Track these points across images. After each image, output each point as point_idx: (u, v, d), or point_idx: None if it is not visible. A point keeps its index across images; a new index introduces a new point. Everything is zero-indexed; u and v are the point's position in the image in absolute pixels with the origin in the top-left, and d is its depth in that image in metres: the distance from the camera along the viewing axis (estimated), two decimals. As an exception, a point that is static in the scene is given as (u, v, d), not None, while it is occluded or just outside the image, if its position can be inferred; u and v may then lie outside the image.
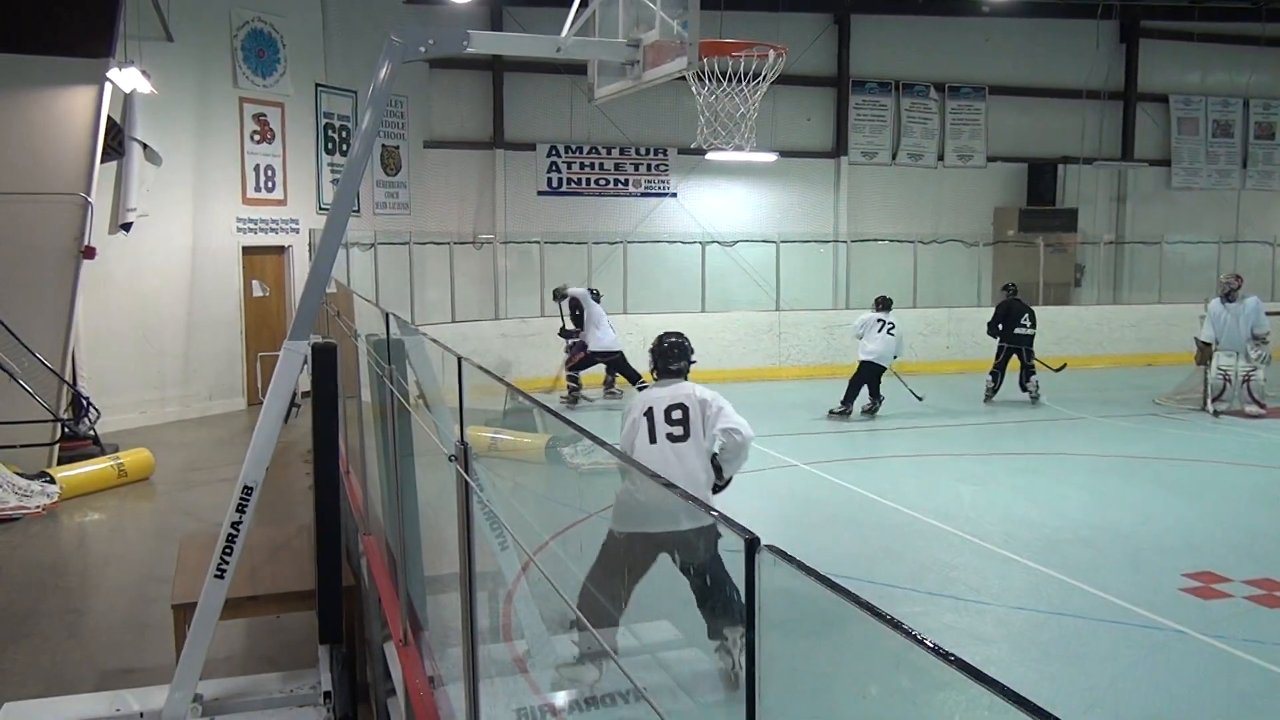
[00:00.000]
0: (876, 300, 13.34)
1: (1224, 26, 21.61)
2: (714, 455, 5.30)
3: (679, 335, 5.76)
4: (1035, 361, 13.86)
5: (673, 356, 5.60)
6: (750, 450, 5.37)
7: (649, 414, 5.27)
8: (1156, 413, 13.39)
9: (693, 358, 5.75)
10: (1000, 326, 13.98)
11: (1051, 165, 21.11)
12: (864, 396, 12.98)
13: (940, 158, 20.61)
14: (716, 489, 5.36)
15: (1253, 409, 12.73)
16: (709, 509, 1.96)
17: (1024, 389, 13.85)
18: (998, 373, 14.08)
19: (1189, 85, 22.22)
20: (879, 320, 13.03)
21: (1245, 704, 5.21)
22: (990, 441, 11.74)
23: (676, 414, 5.25)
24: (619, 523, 4.93)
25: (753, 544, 1.74)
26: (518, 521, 6.03)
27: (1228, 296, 12.80)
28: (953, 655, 1.36)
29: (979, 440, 11.81)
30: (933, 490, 9.40)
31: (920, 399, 13.39)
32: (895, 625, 1.52)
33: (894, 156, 20.37)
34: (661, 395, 5.38)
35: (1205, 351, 12.92)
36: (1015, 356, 13.88)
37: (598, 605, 4.56)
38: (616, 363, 13.92)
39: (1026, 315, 13.90)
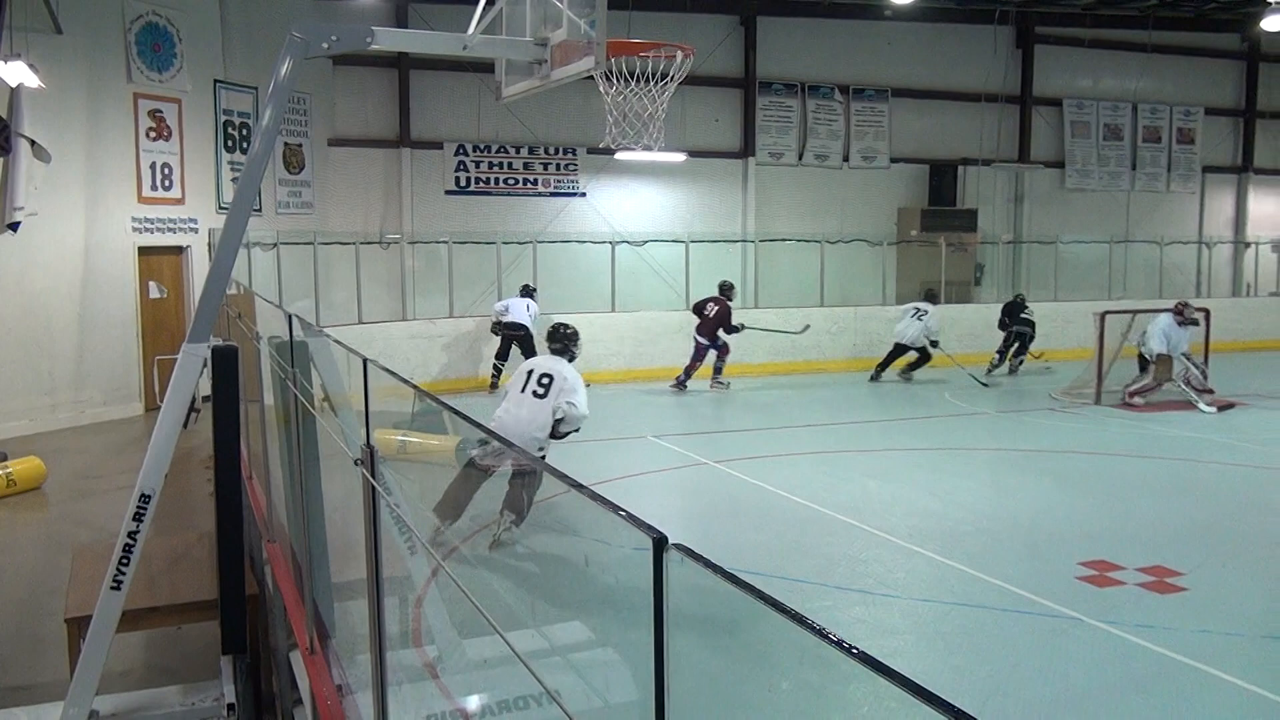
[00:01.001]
0: (926, 292, 16.41)
1: (1114, 34, 22.40)
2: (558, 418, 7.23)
3: (567, 325, 7.80)
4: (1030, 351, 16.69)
5: (554, 338, 7.72)
6: (581, 423, 7.33)
7: (530, 371, 7.38)
8: (1053, 407, 13.82)
9: (575, 348, 7.66)
10: (1007, 319, 16.58)
11: (952, 166, 21.64)
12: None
13: (845, 159, 20.97)
14: (556, 436, 7.33)
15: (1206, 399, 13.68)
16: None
17: (1012, 367, 16.60)
18: (1003, 353, 16.61)
19: (1081, 90, 22.98)
20: (914, 307, 15.67)
21: (1138, 687, 5.40)
22: (895, 437, 11.98)
23: (545, 380, 7.27)
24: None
25: (660, 543, 1.74)
26: (427, 525, 5.95)
27: (1184, 319, 13.76)
28: (856, 649, 1.38)
29: (885, 436, 12.05)
30: (840, 486, 9.55)
31: (985, 385, 15.13)
32: (801, 621, 1.53)
33: (800, 157, 20.66)
34: (543, 362, 7.49)
35: (1167, 363, 13.69)
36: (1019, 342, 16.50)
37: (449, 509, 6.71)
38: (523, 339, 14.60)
39: (1026, 310, 16.52)
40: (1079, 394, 14.15)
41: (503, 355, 14.86)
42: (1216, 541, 8.03)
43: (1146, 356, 13.68)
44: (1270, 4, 20.16)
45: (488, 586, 4.48)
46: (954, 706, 1.24)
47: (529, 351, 14.45)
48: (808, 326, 15.84)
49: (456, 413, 3.30)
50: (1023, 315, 16.53)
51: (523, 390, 7.26)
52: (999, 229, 21.84)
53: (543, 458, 7.23)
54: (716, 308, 14.84)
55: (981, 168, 21.55)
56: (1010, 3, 20.84)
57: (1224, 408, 13.38)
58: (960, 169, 21.71)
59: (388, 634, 3.74)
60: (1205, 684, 5.42)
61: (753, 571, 6.73)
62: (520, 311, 14.70)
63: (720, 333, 14.83)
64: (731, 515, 8.74)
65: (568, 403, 7.19)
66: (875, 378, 15.82)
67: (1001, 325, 16.68)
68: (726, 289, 15.16)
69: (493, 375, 14.96)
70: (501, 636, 2.67)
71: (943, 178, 21.52)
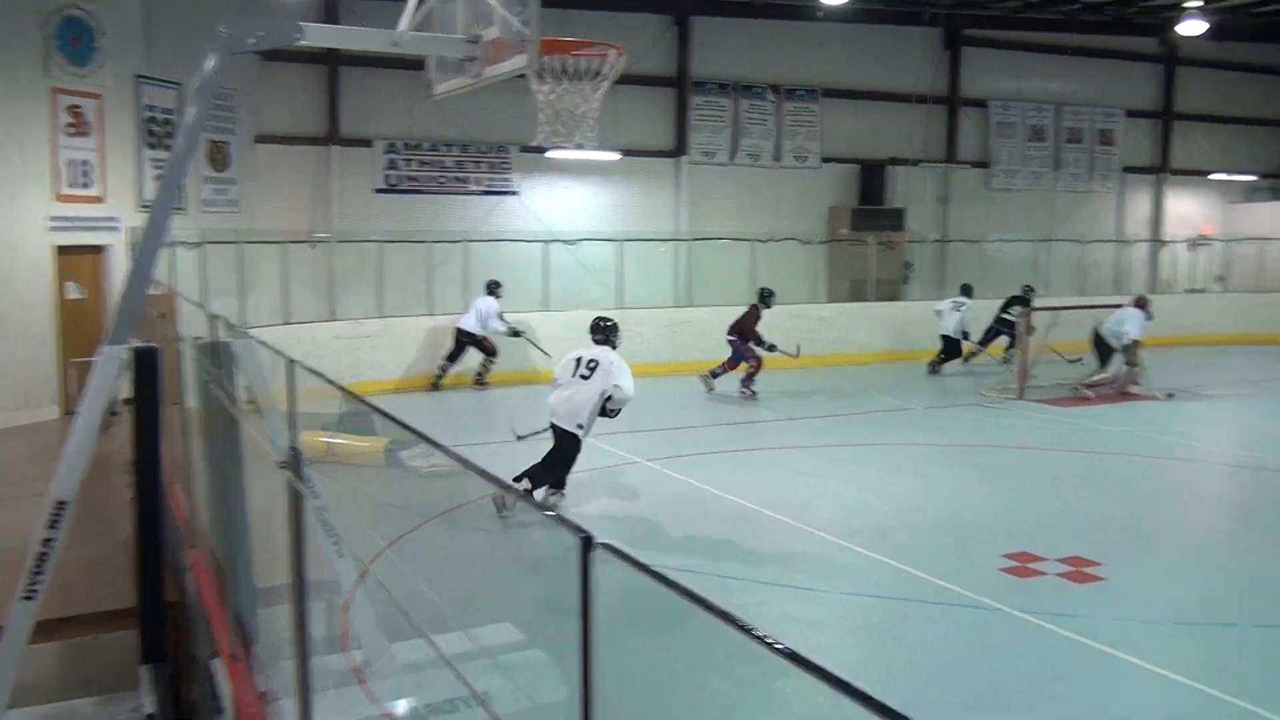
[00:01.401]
0: (962, 286, 17.43)
1: (1038, 36, 22.87)
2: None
3: (606, 319, 9.07)
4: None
5: (597, 330, 8.95)
6: (630, 401, 8.48)
7: (578, 359, 8.60)
8: (980, 402, 14.09)
9: (615, 338, 8.90)
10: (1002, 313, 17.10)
11: (881, 166, 21.91)
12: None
13: (777, 158, 21.13)
14: (607, 415, 8.52)
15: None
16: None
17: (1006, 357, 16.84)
18: (983, 346, 17.21)
19: (1006, 91, 23.42)
20: (954, 301, 16.85)
21: (1057, 675, 5.53)
22: (824, 434, 12.11)
23: (591, 364, 8.47)
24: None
25: (587, 542, 1.74)
26: (354, 528, 5.88)
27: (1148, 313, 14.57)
28: (781, 645, 1.40)
29: (814, 433, 12.16)
30: (771, 483, 9.63)
31: (1072, 362, 15.07)
32: (727, 618, 1.55)
33: (733, 156, 20.77)
34: (589, 351, 8.69)
35: (1135, 350, 14.30)
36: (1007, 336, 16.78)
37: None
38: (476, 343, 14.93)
39: (1014, 306, 16.65)
40: (1007, 389, 14.46)
41: (452, 357, 14.91)
42: (1133, 532, 8.26)
43: (1115, 345, 14.23)
44: (1186, 9, 20.79)
45: (415, 589, 4.43)
46: (875, 699, 1.26)
47: (484, 353, 15.01)
48: (799, 347, 15.58)
49: (383, 413, 3.26)
50: (1004, 314, 16.93)
51: (572, 375, 8.49)
52: (927, 228, 22.18)
53: (581, 435, 8.41)
54: (746, 310, 14.80)
55: (910, 167, 21.87)
56: (939, 5, 21.17)
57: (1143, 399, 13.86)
58: (889, 169, 21.99)
59: (313, 639, 3.68)
60: (1121, 671, 5.57)
61: (685, 569, 6.76)
62: (469, 317, 14.81)
63: (751, 343, 14.62)
64: (662, 513, 8.77)
65: (615, 385, 8.30)
66: (935, 370, 16.75)
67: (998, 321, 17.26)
68: (764, 296, 14.94)
69: (435, 375, 14.93)
70: (428, 640, 2.64)
71: (872, 177, 21.79)
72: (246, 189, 17.46)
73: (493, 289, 15.17)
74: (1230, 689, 5.22)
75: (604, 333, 8.89)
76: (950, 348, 16.83)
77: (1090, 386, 14.21)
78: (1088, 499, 9.30)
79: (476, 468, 2.49)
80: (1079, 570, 7.06)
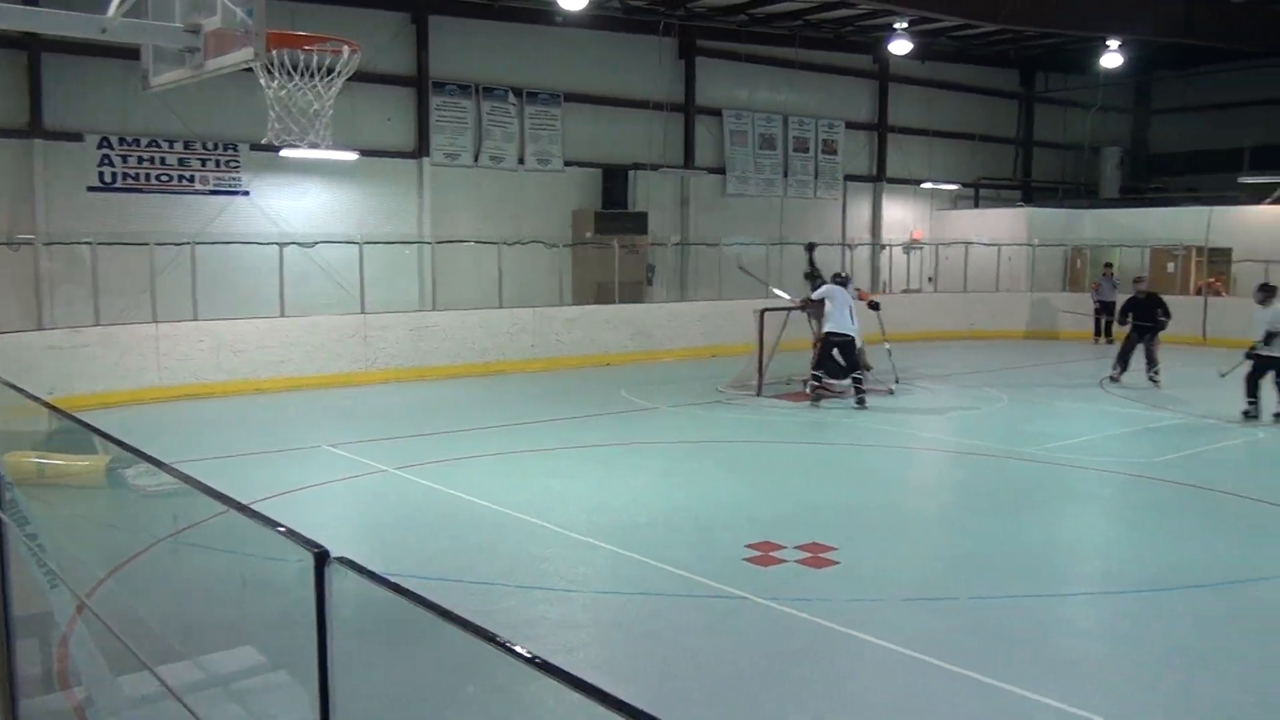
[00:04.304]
0: None
1: (766, 50, 24.06)
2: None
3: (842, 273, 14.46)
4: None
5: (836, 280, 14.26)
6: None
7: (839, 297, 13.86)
8: (719, 399, 14.66)
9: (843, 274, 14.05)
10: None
11: (624, 171, 22.39)
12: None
13: (521, 161, 21.15)
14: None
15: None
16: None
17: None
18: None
19: (739, 101, 24.50)
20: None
21: (798, 657, 5.83)
22: (573, 435, 12.24)
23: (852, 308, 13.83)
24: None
25: (321, 557, 1.67)
26: (71, 556, 5.41)
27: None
28: (517, 648, 1.39)
29: (563, 434, 12.27)
30: (521, 486, 9.63)
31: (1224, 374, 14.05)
32: (468, 626, 1.52)
33: (476, 159, 20.62)
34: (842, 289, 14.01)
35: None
36: None
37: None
38: None
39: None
40: (743, 386, 15.11)
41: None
42: (865, 517, 8.84)
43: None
44: (895, 30, 22.48)
45: (140, 618, 4.13)
46: (612, 696, 1.27)
47: None
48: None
49: (96, 430, 3.01)
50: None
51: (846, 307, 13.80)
52: (668, 231, 22.85)
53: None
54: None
55: (650, 172, 22.46)
56: (672, 16, 21.86)
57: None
58: (631, 173, 22.50)
59: (23, 677, 3.36)
60: (855, 648, 5.95)
61: (437, 577, 6.64)
62: None
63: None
64: (413, 522, 8.59)
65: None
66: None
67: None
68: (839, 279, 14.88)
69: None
70: (152, 672, 2.46)
71: (615, 181, 22.21)
72: (-68, 186, 15.70)
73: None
74: (952, 658, 5.68)
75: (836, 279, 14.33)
76: None
77: (821, 384, 14.95)
78: (823, 488, 9.87)
79: (203, 485, 2.34)
80: (816, 556, 7.47)
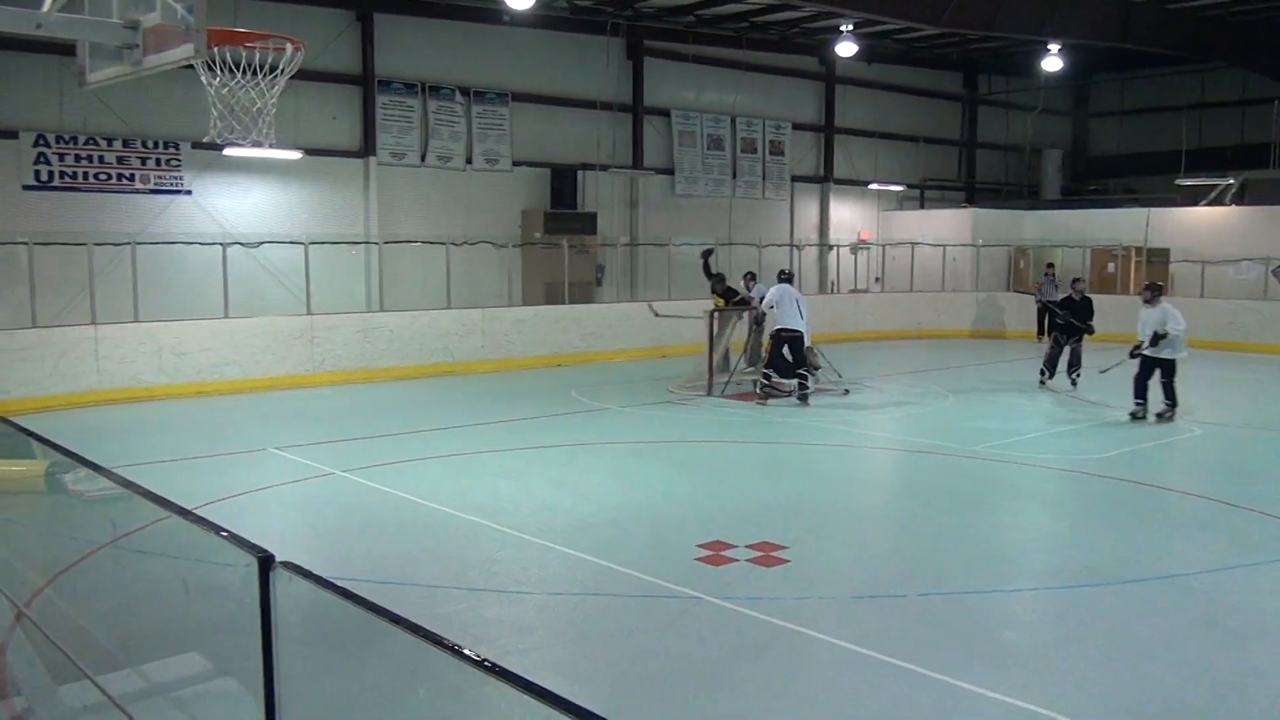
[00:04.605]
0: None
1: (714, 51, 24.15)
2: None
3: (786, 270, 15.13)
4: None
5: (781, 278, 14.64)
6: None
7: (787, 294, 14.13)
8: (670, 399, 14.67)
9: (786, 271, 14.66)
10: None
11: (573, 171, 22.34)
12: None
13: (469, 160, 21.02)
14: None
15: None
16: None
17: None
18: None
19: (687, 102, 24.56)
20: None
21: (749, 655, 5.85)
22: (524, 435, 12.18)
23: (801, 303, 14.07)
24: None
25: (266, 562, 1.63)
26: (7, 564, 5.28)
27: None
28: (467, 651, 1.37)
29: (514, 435, 12.21)
30: (472, 488, 9.57)
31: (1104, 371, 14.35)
32: (416, 630, 1.50)
33: (423, 158, 20.45)
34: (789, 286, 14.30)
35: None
36: None
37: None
38: None
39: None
40: (694, 385, 15.14)
41: None
42: (814, 515, 8.90)
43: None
44: (841, 31, 22.66)
45: (81, 628, 4.03)
46: (566, 700, 1.25)
47: None
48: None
49: (33, 435, 2.93)
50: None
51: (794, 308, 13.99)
52: (617, 231, 22.84)
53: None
54: None
55: (599, 172, 22.44)
56: (620, 16, 21.85)
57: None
58: (580, 173, 22.46)
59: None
60: (805, 645, 5.98)
61: (387, 580, 6.57)
62: None
63: None
64: (362, 525, 8.49)
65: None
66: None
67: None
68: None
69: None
70: (93, 681, 2.40)
71: (564, 181, 22.15)
72: None
73: None
74: (901, 654, 5.73)
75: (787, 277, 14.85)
76: None
77: (770, 383, 15.08)
78: (773, 487, 9.92)
79: (144, 490, 2.28)
80: (767, 555, 7.50)
